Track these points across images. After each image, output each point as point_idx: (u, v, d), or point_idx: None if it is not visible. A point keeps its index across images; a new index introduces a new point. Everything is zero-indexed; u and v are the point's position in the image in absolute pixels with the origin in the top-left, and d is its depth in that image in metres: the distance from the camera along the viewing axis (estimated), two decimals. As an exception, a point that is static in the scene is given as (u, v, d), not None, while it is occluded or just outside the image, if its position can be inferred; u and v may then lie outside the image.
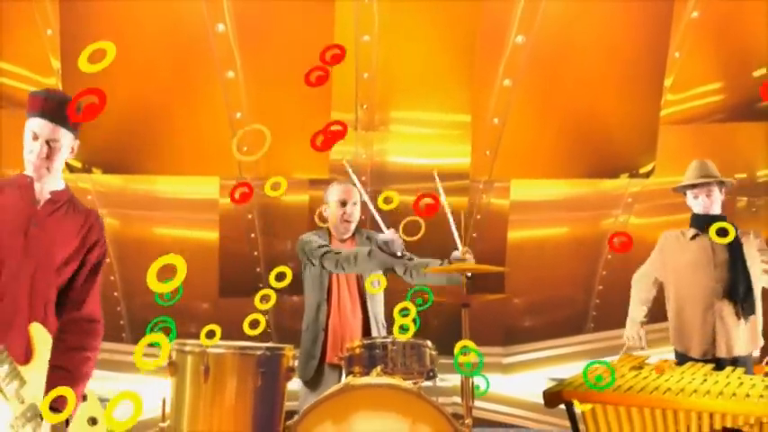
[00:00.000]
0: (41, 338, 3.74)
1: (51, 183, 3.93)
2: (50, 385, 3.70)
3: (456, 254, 6.26)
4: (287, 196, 9.10)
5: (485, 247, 9.19)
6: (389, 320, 6.41)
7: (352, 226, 6.49)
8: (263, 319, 5.66)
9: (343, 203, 6.46)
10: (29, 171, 3.91)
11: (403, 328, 5.80)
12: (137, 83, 8.27)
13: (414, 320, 5.97)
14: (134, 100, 8.25)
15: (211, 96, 8.76)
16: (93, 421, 4.04)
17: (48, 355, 3.73)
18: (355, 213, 6.51)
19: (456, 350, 5.73)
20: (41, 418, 3.69)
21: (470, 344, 5.64)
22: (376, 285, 6.33)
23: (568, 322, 9.48)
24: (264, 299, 5.74)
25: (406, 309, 5.85)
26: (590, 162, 9.30)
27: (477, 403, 9.01)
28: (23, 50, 8.63)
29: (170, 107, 8.68)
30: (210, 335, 5.36)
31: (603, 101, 9.19)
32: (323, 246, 6.28)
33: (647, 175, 9.11)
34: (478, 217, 9.39)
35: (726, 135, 9.15)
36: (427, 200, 5.07)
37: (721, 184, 6.45)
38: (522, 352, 9.38)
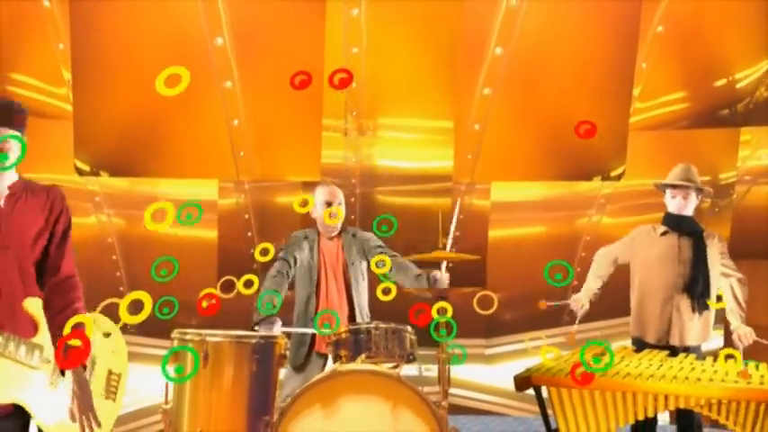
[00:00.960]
0: (38, 308, 3.99)
1: (6, 178, 4.02)
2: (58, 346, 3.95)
3: (435, 276, 6.33)
4: (281, 197, 9.18)
5: (467, 245, 9.11)
6: (373, 312, 6.60)
7: (338, 225, 6.55)
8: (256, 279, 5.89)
9: (329, 204, 6.52)
10: None
11: (385, 292, 5.92)
12: (141, 92, 8.23)
13: (390, 270, 6.24)
14: (139, 108, 8.35)
15: (210, 105, 8.84)
16: (107, 335, 4.37)
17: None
18: (340, 214, 6.58)
19: (433, 312, 5.91)
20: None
21: (446, 305, 5.78)
22: (381, 266, 6.38)
23: (546, 315, 8.95)
24: (247, 284, 6.00)
25: (381, 261, 6.13)
26: (565, 166, 9.41)
27: (462, 392, 9.29)
28: (37, 63, 8.69)
29: (172, 115, 8.70)
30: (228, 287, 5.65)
31: (577, 108, 9.17)
32: (279, 259, 6.43)
33: (619, 177, 9.21)
34: (461, 217, 9.23)
35: (690, 141, 9.23)
36: (341, 74, 4.80)
37: (699, 190, 6.56)
38: (503, 344, 9.47)
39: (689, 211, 6.50)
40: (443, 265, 6.33)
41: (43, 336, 3.99)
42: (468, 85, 9.28)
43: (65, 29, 8.54)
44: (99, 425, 4.03)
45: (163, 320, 5.82)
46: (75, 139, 8.65)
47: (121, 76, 8.46)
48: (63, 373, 4.01)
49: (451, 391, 9.15)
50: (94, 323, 4.25)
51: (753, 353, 6.41)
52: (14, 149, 4.00)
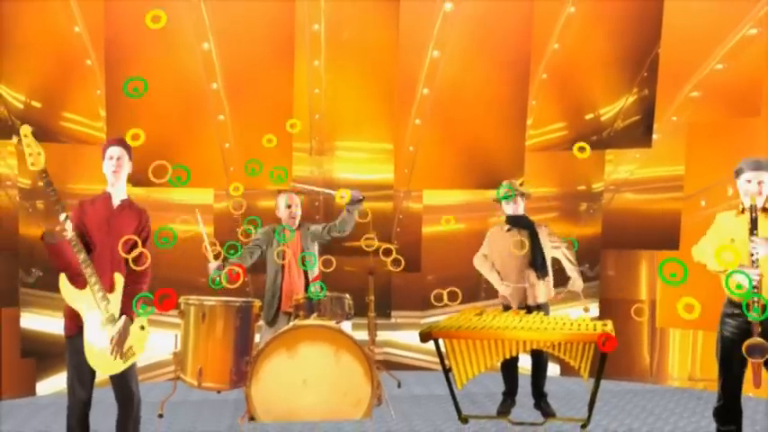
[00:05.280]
0: (119, 280, 4.96)
1: (120, 194, 5.10)
2: (128, 293, 4.98)
3: (353, 194, 6.98)
4: (262, 201, 9.35)
5: (406, 238, 9.76)
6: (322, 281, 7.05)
7: (297, 221, 7.08)
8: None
9: (289, 206, 7.09)
10: (108, 183, 5.07)
11: (325, 264, 6.51)
12: (157, 123, 8.69)
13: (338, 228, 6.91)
14: (155, 135, 7.86)
15: (208, 132, 9.26)
16: (141, 327, 5.11)
17: (121, 288, 4.96)
18: (297, 212, 7.09)
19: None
20: (112, 321, 4.91)
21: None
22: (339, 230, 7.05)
23: (468, 292, 9.15)
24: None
25: (334, 225, 6.89)
26: (478, 177, 9.78)
27: (403, 352, 9.73)
28: (81, 104, 8.94)
29: (179, 140, 9.07)
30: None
31: (486, 135, 9.68)
32: (252, 244, 7.01)
33: (519, 187, 9.58)
34: (401, 216, 9.82)
35: (569, 159, 9.08)
36: (165, 295, 5.12)
37: (523, 195, 7.16)
38: (434, 315, 9.52)
39: (520, 211, 7.12)
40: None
41: (114, 296, 4.96)
42: (403, 117, 9.74)
43: (101, 80, 8.89)
44: (121, 356, 4.95)
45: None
46: (107, 160, 8.94)
47: (142, 112, 8.61)
48: (114, 321, 4.93)
49: (394, 351, 9.73)
50: (137, 319, 5.08)
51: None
52: (125, 167, 5.11)
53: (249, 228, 7.08)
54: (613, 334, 6.04)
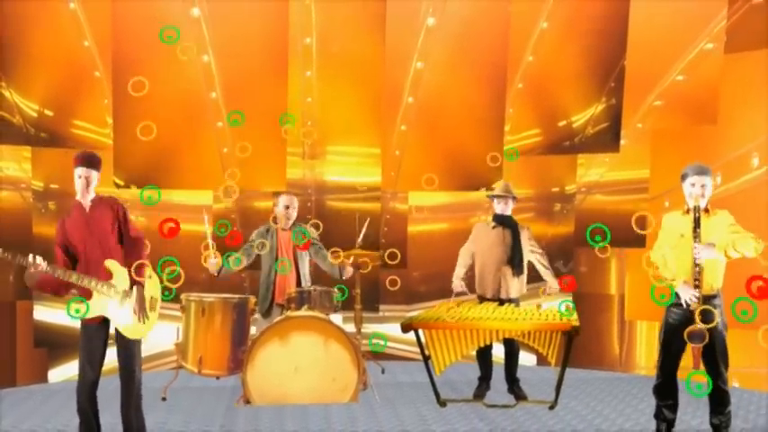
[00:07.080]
0: (113, 265, 5.28)
1: (90, 195, 5.39)
2: (132, 276, 5.30)
3: (342, 269, 7.18)
4: (258, 202, 9.53)
5: (393, 237, 9.89)
6: (312, 276, 7.40)
7: (291, 222, 7.27)
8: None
9: (287, 207, 7.28)
10: (78, 194, 5.37)
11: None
12: (160, 130, 8.44)
13: (313, 253, 7.08)
14: (158, 141, 8.43)
15: (207, 138, 9.39)
16: (149, 276, 5.43)
17: (119, 269, 5.27)
18: (293, 214, 7.28)
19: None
20: (127, 295, 5.26)
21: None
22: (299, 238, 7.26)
23: (449, 288, 8.79)
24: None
25: (299, 233, 7.06)
26: (460, 180, 9.93)
27: (389, 344, 9.64)
28: (90, 112, 9.10)
29: (180, 145, 9.22)
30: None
31: (467, 140, 9.81)
32: (247, 244, 7.21)
33: (498, 189, 9.41)
34: (388, 216, 9.96)
35: (544, 163, 9.77)
36: (169, 224, 5.72)
37: (514, 198, 7.42)
38: (419, 309, 9.60)
39: (508, 211, 7.36)
40: (350, 260, 7.22)
41: (115, 279, 5.27)
42: (389, 124, 9.86)
43: (108, 90, 9.05)
44: (147, 317, 5.33)
45: (171, 287, 6.80)
46: (114, 163, 9.00)
47: (146, 119, 8.41)
48: (129, 294, 5.26)
49: (381, 342, 9.75)
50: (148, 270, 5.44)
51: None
52: (93, 182, 5.40)
53: (222, 229, 7.26)
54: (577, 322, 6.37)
